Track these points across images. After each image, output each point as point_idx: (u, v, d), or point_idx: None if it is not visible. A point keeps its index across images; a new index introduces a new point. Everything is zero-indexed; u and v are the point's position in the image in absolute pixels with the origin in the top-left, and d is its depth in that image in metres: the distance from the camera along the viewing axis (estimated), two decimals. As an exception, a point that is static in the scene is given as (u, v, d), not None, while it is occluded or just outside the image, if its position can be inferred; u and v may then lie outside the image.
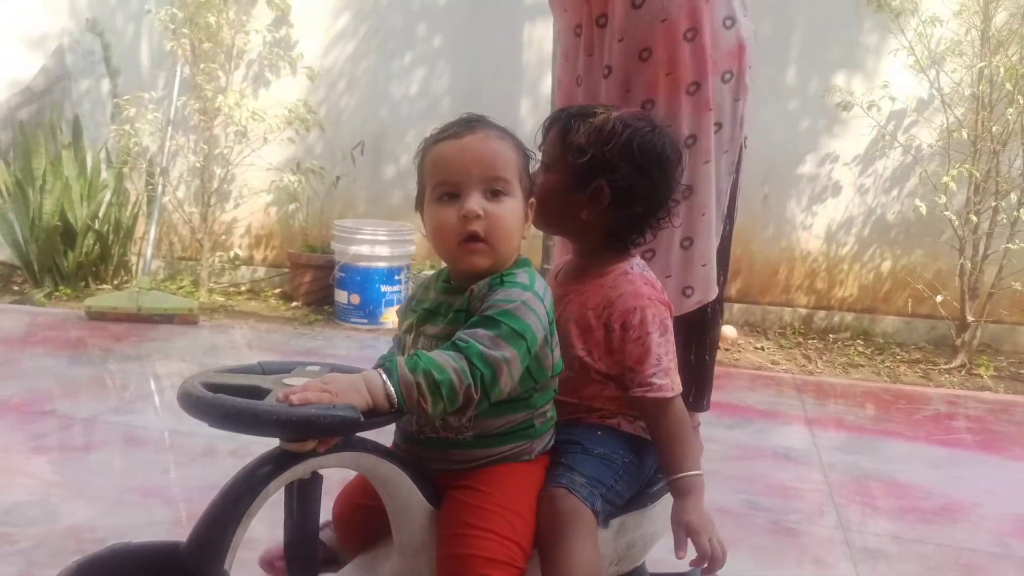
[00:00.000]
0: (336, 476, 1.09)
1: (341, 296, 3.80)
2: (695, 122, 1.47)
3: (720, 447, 2.32)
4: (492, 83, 4.22)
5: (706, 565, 1.11)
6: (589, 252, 1.27)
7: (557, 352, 1.14)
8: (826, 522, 1.87)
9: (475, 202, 1.07)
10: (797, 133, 4.02)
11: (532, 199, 1.15)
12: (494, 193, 1.08)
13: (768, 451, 2.33)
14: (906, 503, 2.00)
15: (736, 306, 4.12)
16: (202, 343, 3.34)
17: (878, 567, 1.67)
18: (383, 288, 3.74)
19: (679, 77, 1.45)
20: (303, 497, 1.00)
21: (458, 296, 1.10)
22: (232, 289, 4.39)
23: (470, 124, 1.11)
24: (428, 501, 1.09)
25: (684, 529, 1.11)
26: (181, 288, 4.28)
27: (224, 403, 0.89)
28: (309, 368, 1.05)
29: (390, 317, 3.76)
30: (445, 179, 1.09)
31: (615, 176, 1.19)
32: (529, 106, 4.21)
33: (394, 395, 0.94)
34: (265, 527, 1.07)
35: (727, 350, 3.63)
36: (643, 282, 1.22)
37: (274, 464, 0.94)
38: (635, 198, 1.21)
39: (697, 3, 1.44)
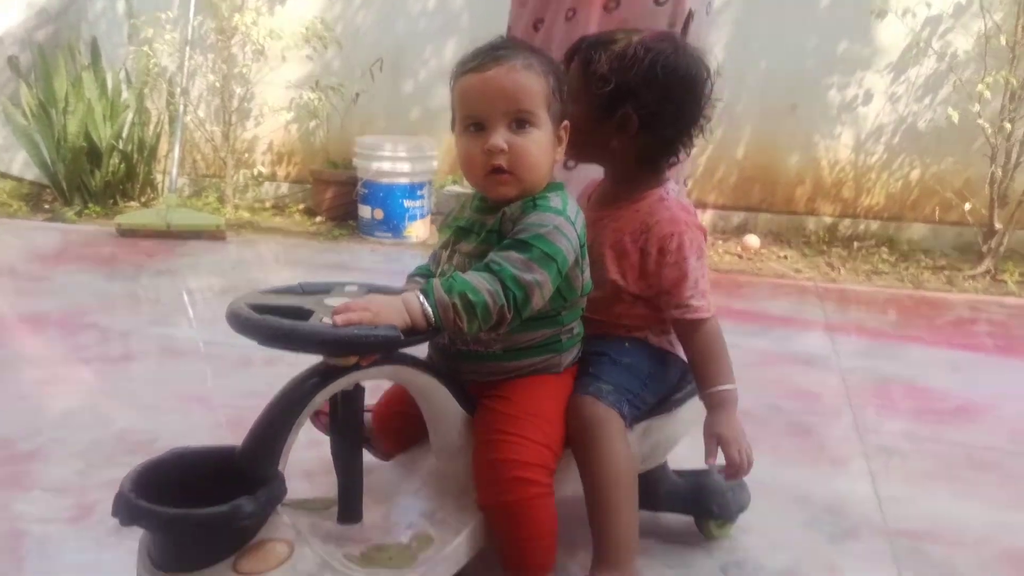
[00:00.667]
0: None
1: (364, 211, 3.83)
2: None
3: (741, 353, 2.32)
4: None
5: (732, 472, 1.18)
6: (623, 178, 1.29)
7: (587, 273, 1.18)
8: (843, 423, 1.93)
9: (499, 136, 1.09)
10: (829, 41, 3.89)
11: (565, 122, 1.16)
12: (519, 124, 1.10)
13: (788, 357, 2.38)
14: (923, 404, 2.05)
15: (760, 215, 4.10)
16: (230, 258, 3.42)
17: (891, 463, 1.73)
18: (406, 203, 3.77)
19: None
20: (347, 407, 1.07)
21: (492, 215, 1.14)
22: (257, 205, 4.44)
23: (496, 54, 1.11)
24: (464, 409, 1.16)
25: (716, 440, 1.18)
26: (207, 205, 4.33)
27: (273, 324, 0.95)
28: (348, 288, 1.11)
29: (413, 231, 3.80)
30: (471, 112, 1.11)
31: (641, 102, 1.20)
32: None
33: (431, 315, 1.00)
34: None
35: (749, 259, 3.64)
36: (679, 208, 1.24)
37: (320, 377, 1.00)
38: (663, 122, 1.22)
39: None
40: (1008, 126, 3.34)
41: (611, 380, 1.20)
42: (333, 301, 1.05)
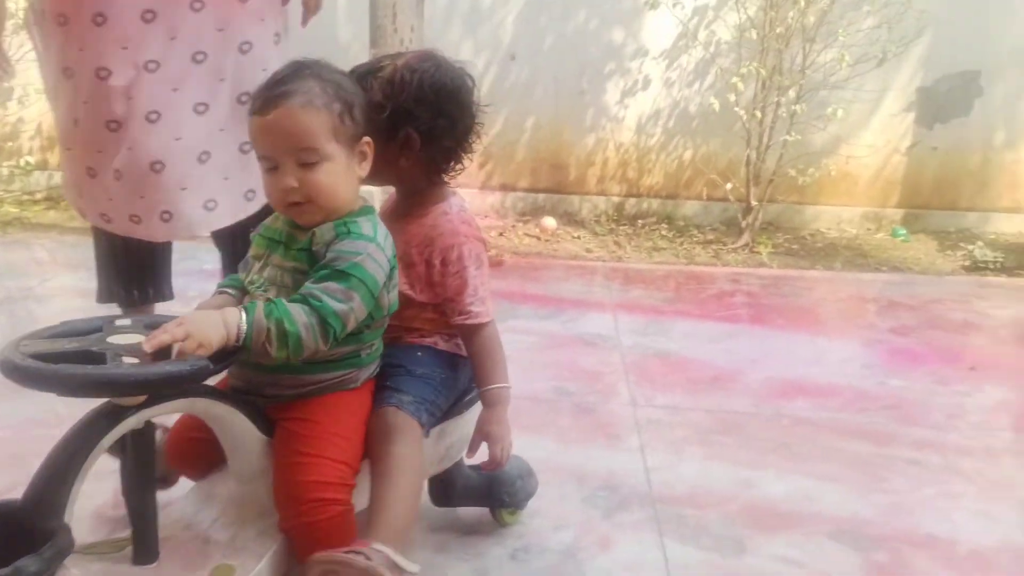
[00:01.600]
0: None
1: (154, 204, 3.62)
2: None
3: (535, 338, 2.56)
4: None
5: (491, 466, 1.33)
6: (411, 192, 1.38)
7: (394, 294, 1.25)
8: (620, 400, 2.17)
9: (289, 176, 1.15)
10: (608, 29, 4.18)
11: (365, 139, 1.21)
12: (305, 163, 1.15)
13: (576, 338, 2.60)
14: (685, 376, 2.34)
15: (555, 196, 4.36)
16: (-1, 263, 3.12)
17: (658, 434, 1.98)
18: (200, 194, 3.60)
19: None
20: (138, 447, 1.07)
21: (303, 232, 1.19)
22: (26, 198, 4.04)
23: (276, 93, 1.14)
24: (262, 432, 1.19)
25: (484, 436, 1.31)
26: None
27: (76, 373, 0.94)
28: (119, 323, 1.10)
29: (210, 224, 3.65)
30: (262, 153, 1.18)
31: (418, 121, 1.29)
32: None
33: (244, 333, 1.05)
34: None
35: (546, 241, 3.88)
36: (460, 221, 1.35)
37: (108, 418, 1.00)
38: (442, 135, 1.32)
39: None
40: (759, 113, 3.79)
41: (409, 391, 1.29)
42: (119, 340, 1.05)
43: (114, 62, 1.55)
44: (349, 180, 1.19)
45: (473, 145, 1.38)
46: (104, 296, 1.82)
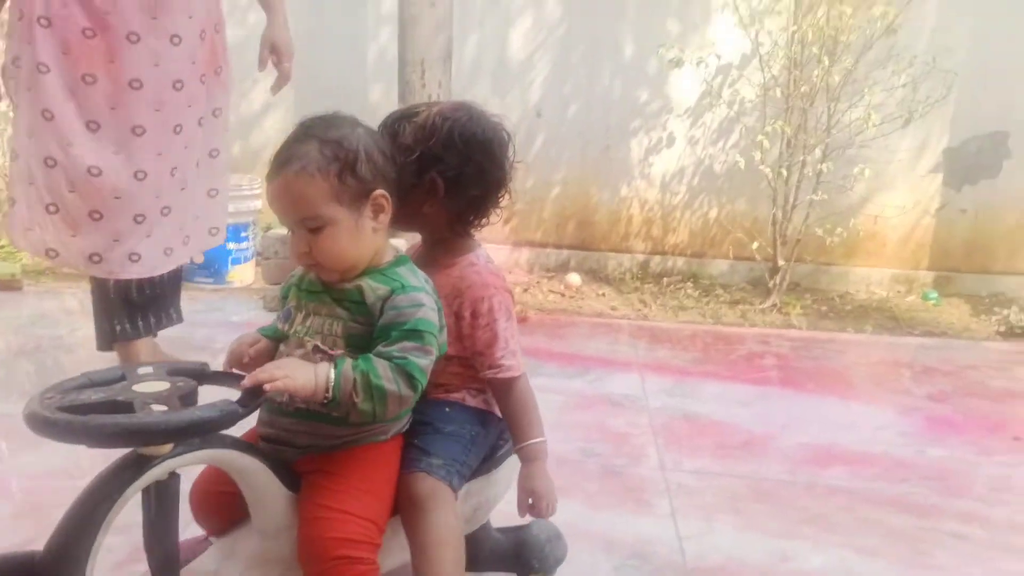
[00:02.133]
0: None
1: (183, 254, 3.66)
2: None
3: (562, 397, 2.52)
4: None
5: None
6: (437, 241, 1.37)
7: (444, 334, 1.24)
8: (649, 463, 2.11)
9: (301, 241, 1.17)
10: (634, 88, 4.23)
11: (377, 192, 1.20)
12: (311, 228, 1.16)
13: (603, 398, 2.56)
14: (716, 440, 2.28)
15: (580, 253, 4.36)
16: (29, 311, 3.15)
17: (689, 500, 1.92)
18: (228, 246, 3.64)
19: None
20: (161, 498, 1.05)
21: (343, 283, 1.20)
22: (59, 247, 4.10)
23: (279, 161, 1.17)
24: (286, 487, 1.16)
25: (530, 494, 1.28)
26: (0, 249, 3.95)
27: (108, 423, 0.93)
28: (141, 371, 1.09)
29: (237, 276, 3.68)
30: (278, 218, 1.21)
31: (444, 167, 1.29)
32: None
33: (332, 383, 1.09)
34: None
35: (571, 297, 3.86)
36: (488, 272, 1.33)
37: (132, 469, 0.98)
38: (467, 183, 1.31)
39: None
40: (784, 172, 3.78)
41: (439, 452, 1.25)
42: (144, 387, 1.04)
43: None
44: (359, 238, 1.19)
45: (502, 200, 1.38)
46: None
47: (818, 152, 3.77)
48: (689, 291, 4.02)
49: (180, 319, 2.37)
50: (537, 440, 1.31)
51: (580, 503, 1.87)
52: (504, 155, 1.35)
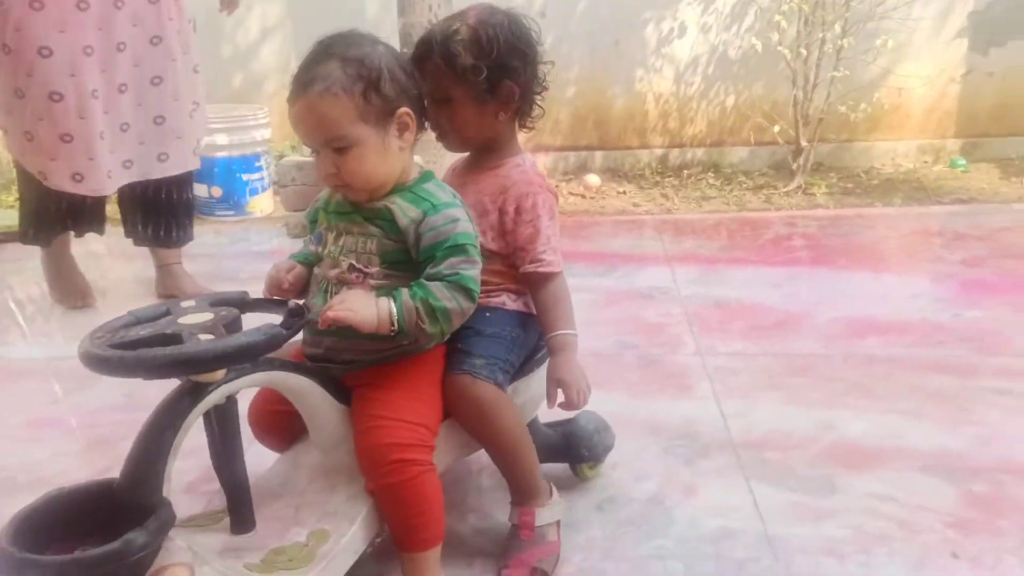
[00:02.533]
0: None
1: (201, 190, 3.65)
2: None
3: (592, 295, 2.53)
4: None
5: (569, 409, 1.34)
6: (485, 149, 1.38)
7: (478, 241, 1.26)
8: (686, 350, 2.13)
9: (327, 162, 1.16)
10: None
11: (402, 109, 1.18)
12: (337, 149, 1.15)
13: (634, 293, 2.56)
14: (750, 323, 2.29)
15: (597, 153, 4.29)
16: (60, 259, 3.17)
17: (730, 381, 1.95)
18: (244, 176, 3.64)
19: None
20: (222, 421, 1.08)
21: (372, 201, 1.20)
22: (78, 195, 4.11)
23: (301, 81, 1.14)
24: (339, 401, 1.20)
25: (556, 383, 1.29)
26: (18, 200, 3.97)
27: (159, 354, 0.95)
28: (185, 305, 1.11)
29: (257, 205, 3.69)
30: (301, 140, 1.20)
31: (514, 72, 1.30)
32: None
33: (396, 317, 1.12)
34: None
35: (592, 198, 3.82)
36: (534, 172, 1.36)
37: (189, 396, 1.01)
38: (533, 83, 1.34)
39: None
40: (804, 51, 3.66)
41: (481, 352, 1.28)
42: (190, 319, 1.06)
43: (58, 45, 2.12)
44: (386, 157, 1.18)
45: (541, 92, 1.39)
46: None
47: (837, 28, 3.64)
48: (711, 181, 3.97)
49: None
50: (566, 332, 1.32)
51: (622, 393, 1.90)
52: (538, 48, 1.36)
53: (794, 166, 3.79)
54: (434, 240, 1.16)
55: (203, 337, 1.00)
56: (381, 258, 1.18)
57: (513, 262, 1.34)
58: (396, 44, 3.06)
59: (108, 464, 1.68)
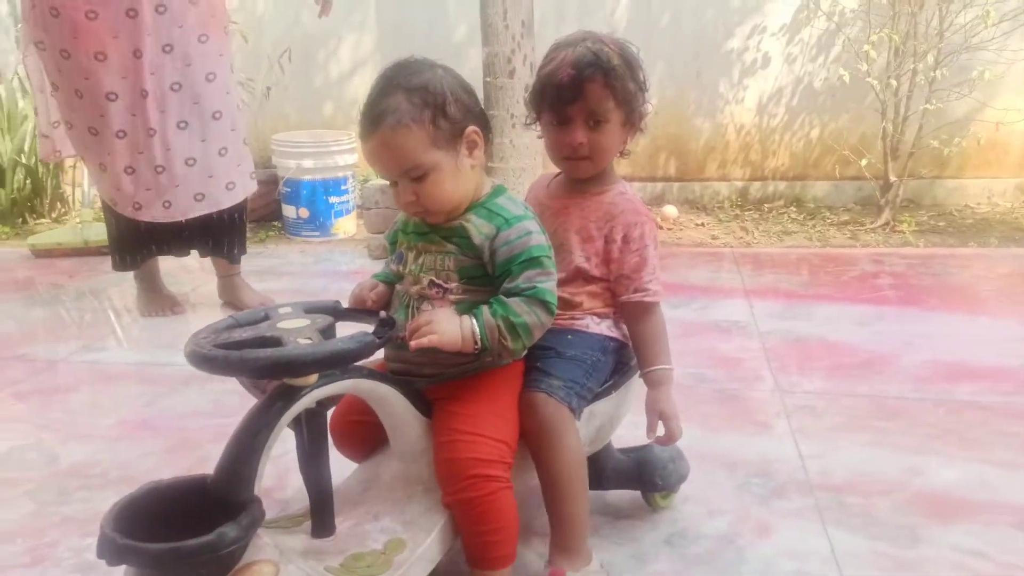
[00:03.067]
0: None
1: (289, 211, 3.80)
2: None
3: (668, 326, 2.48)
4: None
5: (668, 442, 1.34)
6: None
7: (553, 253, 1.27)
8: (764, 386, 2.08)
9: (406, 191, 1.20)
10: (726, 7, 4.04)
11: (470, 128, 1.21)
12: (413, 178, 1.18)
13: (711, 325, 2.52)
14: (834, 361, 2.22)
15: (675, 184, 4.26)
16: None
17: (810, 420, 1.89)
18: (331, 199, 3.76)
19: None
20: (311, 426, 1.12)
21: (449, 223, 1.23)
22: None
23: (372, 116, 1.17)
24: (421, 413, 1.22)
25: (658, 415, 1.30)
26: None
27: (261, 355, 1.00)
28: (283, 311, 1.16)
29: (341, 227, 3.80)
30: (379, 174, 1.26)
31: (642, 99, 1.35)
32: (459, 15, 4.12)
33: (479, 336, 1.15)
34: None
35: (669, 229, 3.79)
36: (638, 201, 1.39)
37: (283, 399, 1.05)
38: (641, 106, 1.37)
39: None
40: (894, 83, 3.55)
41: (559, 375, 1.28)
42: (288, 324, 1.11)
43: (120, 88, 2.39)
44: (461, 177, 1.21)
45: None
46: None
47: (930, 58, 3.52)
48: (793, 215, 3.88)
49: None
50: (666, 367, 1.34)
51: (696, 426, 1.86)
52: None
53: (882, 202, 3.67)
54: (509, 254, 1.18)
55: (301, 341, 1.04)
56: (459, 274, 1.21)
57: (613, 289, 1.36)
58: (479, 73, 3.14)
59: (192, 465, 1.76)
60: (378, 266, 1.36)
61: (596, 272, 1.35)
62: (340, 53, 4.34)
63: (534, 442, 1.25)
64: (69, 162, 4.19)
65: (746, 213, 3.97)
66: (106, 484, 1.70)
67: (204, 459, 1.79)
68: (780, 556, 1.40)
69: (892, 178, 3.65)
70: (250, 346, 1.03)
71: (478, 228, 1.20)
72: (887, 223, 3.60)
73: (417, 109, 1.16)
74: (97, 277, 3.23)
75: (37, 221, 4.08)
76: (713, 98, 4.16)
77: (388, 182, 1.24)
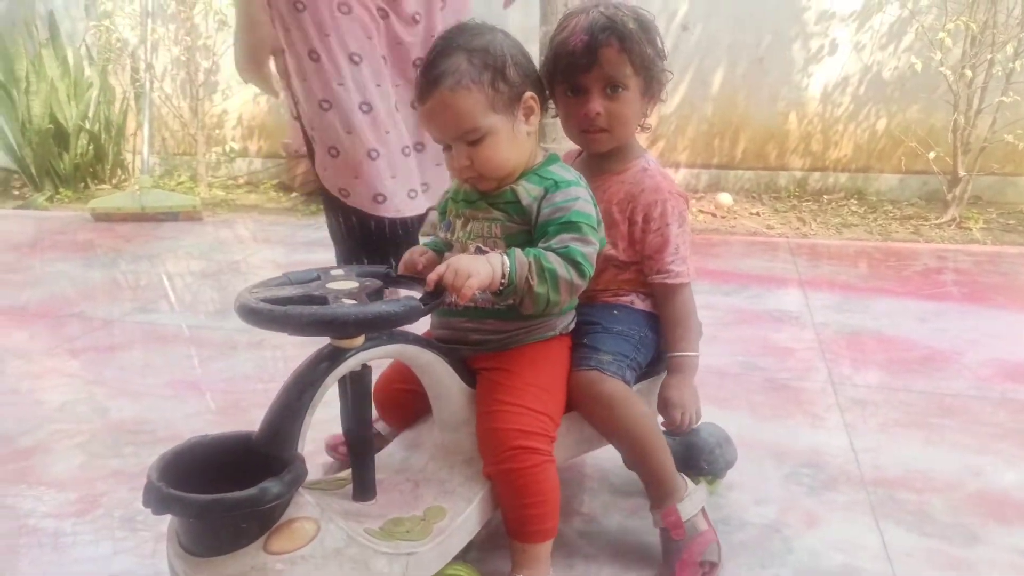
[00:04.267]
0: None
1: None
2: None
3: (718, 313, 2.44)
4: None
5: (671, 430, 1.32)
6: (615, 149, 1.32)
7: (602, 229, 1.23)
8: (817, 377, 2.02)
9: (460, 155, 1.18)
10: (793, -9, 3.92)
11: (527, 94, 1.18)
12: (470, 142, 1.15)
13: (763, 314, 2.45)
14: (892, 355, 2.14)
15: (731, 172, 4.16)
16: (209, 239, 3.41)
17: (864, 414, 1.82)
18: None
19: None
20: (356, 388, 1.11)
21: (497, 187, 1.21)
22: (231, 182, 4.41)
23: (430, 78, 1.14)
24: (465, 383, 1.21)
25: (664, 403, 1.27)
26: (180, 184, 4.30)
27: (305, 312, 0.99)
28: (334, 272, 1.16)
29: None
30: (433, 138, 1.21)
31: (664, 63, 1.27)
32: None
33: (508, 268, 1.08)
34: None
35: (723, 217, 3.71)
36: (661, 176, 1.30)
37: (329, 360, 1.04)
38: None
39: None
40: (969, 73, 3.40)
41: (608, 349, 1.25)
42: (337, 285, 1.11)
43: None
44: (516, 143, 1.18)
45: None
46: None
47: (1009, 49, 3.37)
48: (853, 208, 3.76)
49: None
50: (687, 353, 1.29)
51: (745, 414, 1.82)
52: None
53: (949, 197, 3.53)
54: (550, 215, 1.15)
55: (346, 301, 1.03)
56: (505, 241, 1.18)
57: (642, 269, 1.31)
58: (536, 52, 3.10)
59: (237, 425, 1.74)
60: (423, 242, 1.34)
61: (624, 257, 1.30)
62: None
63: (602, 422, 1.23)
64: (130, 129, 4.31)
65: (804, 204, 3.86)
66: (155, 441, 1.73)
67: (249, 422, 1.78)
68: (828, 548, 1.35)
69: (961, 173, 3.50)
70: (296, 303, 1.03)
71: (527, 191, 1.18)
72: (953, 219, 3.46)
73: (477, 70, 1.13)
74: (153, 242, 3.31)
75: (99, 186, 4.20)
76: (775, 85, 4.05)
77: (441, 146, 1.22)
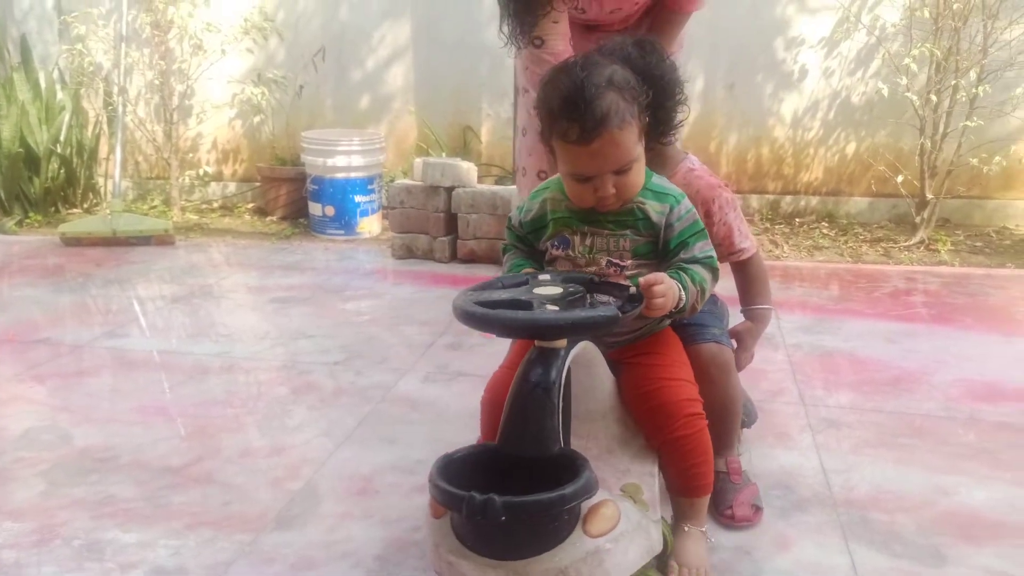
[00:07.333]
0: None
1: (315, 208, 3.81)
2: None
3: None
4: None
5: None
6: (652, 160, 1.38)
7: None
8: (788, 398, 2.03)
9: (607, 185, 1.22)
10: (763, 19, 3.99)
11: (645, 117, 1.25)
12: (619, 172, 1.21)
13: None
14: (863, 376, 2.15)
15: (705, 196, 4.20)
16: (181, 263, 3.38)
17: (836, 435, 1.83)
18: (357, 198, 3.77)
19: None
20: (565, 385, 1.13)
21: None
22: (204, 206, 4.38)
23: (594, 118, 1.15)
24: (611, 374, 1.30)
25: (739, 339, 1.51)
26: (153, 208, 4.26)
27: (517, 317, 1.06)
28: (542, 278, 1.20)
29: (366, 227, 3.80)
30: (579, 172, 1.22)
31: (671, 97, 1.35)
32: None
33: (683, 299, 1.21)
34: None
35: (697, 240, 3.74)
36: (708, 174, 1.48)
37: (546, 362, 1.08)
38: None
39: None
40: (934, 98, 3.48)
41: (712, 325, 1.45)
42: (542, 291, 1.13)
43: None
44: (642, 165, 1.26)
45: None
46: None
47: (972, 75, 3.44)
48: (824, 231, 3.81)
49: None
50: (765, 306, 1.54)
51: (717, 436, 1.81)
52: None
53: (917, 220, 3.58)
54: (683, 229, 1.27)
55: (550, 308, 1.08)
56: (633, 253, 1.28)
57: None
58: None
59: (203, 453, 1.75)
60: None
61: None
62: (377, 48, 4.34)
63: (719, 387, 1.40)
64: (102, 153, 4.27)
65: (776, 227, 3.91)
66: (118, 468, 1.70)
67: (217, 448, 1.78)
68: (799, 570, 1.35)
69: (929, 196, 3.56)
70: (504, 306, 1.09)
71: (654, 209, 1.27)
72: (922, 241, 3.52)
73: (630, 105, 1.19)
74: (124, 267, 3.27)
75: (69, 211, 4.15)
76: (746, 110, 4.11)
77: (576, 178, 1.22)
